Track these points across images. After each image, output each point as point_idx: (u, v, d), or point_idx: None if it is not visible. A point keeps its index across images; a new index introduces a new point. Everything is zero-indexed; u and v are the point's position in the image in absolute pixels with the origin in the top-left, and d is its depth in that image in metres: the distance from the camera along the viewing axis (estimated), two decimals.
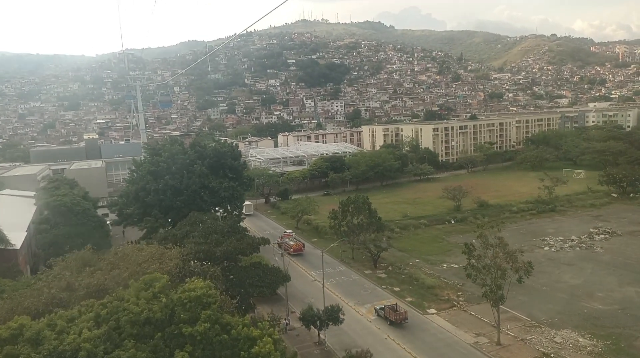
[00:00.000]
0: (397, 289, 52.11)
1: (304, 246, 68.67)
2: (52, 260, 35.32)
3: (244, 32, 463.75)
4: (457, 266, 59.13)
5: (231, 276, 35.74)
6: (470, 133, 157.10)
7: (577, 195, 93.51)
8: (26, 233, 52.01)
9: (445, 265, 59.71)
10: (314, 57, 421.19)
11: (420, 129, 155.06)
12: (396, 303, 45.61)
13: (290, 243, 68.61)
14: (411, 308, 46.79)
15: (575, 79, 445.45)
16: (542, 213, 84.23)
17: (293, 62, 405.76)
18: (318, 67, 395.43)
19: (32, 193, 75.08)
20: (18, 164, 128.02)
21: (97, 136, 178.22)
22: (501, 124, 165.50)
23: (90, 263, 29.61)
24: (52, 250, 52.67)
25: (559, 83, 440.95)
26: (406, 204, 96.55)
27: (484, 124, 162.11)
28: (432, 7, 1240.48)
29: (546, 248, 64.31)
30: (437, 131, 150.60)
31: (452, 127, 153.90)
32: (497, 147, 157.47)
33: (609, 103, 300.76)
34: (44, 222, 58.74)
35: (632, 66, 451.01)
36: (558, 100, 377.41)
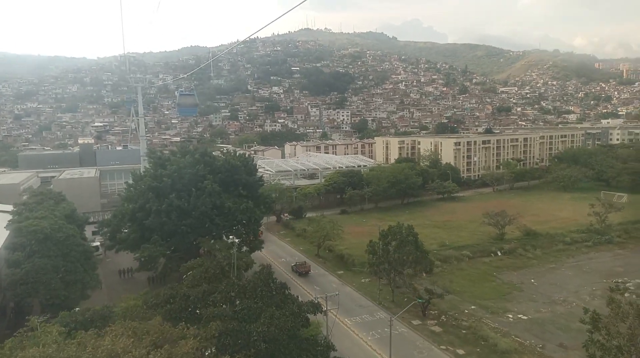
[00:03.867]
0: (461, 352, 40.95)
1: (261, 233, 73.57)
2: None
3: (248, 39, 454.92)
4: (525, 318, 48.09)
5: None
6: (493, 148, 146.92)
7: (633, 224, 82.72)
8: None
9: (510, 316, 48.54)
10: (318, 65, 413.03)
11: (441, 142, 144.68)
12: (305, 261, 66.07)
13: None
14: None
15: (580, 95, 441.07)
16: (599, 246, 73.43)
17: (297, 69, 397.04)
18: (322, 75, 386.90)
19: (11, 208, 64.09)
20: (3, 170, 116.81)
21: (92, 141, 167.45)
22: (525, 139, 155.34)
23: None
24: (23, 289, 41.64)
25: (565, 98, 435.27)
26: (436, 228, 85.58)
27: (507, 139, 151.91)
28: (433, 20, 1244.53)
29: (627, 295, 53.34)
30: (459, 145, 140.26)
31: (475, 142, 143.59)
32: (521, 164, 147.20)
33: (622, 120, 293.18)
34: (18, 249, 47.50)
35: (637, 83, 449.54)
36: (566, 115, 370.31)
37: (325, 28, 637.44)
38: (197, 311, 26.17)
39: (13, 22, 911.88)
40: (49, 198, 65.28)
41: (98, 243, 70.23)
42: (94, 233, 75.79)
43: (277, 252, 73.95)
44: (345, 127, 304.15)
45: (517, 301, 52.34)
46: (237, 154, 69.48)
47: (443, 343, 42.66)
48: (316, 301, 28.99)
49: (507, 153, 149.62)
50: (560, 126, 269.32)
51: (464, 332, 44.58)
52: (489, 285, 57.73)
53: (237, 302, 26.11)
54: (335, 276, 61.80)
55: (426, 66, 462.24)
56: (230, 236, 56.83)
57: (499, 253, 69.41)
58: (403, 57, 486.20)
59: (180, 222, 54.95)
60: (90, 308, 29.26)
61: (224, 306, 25.71)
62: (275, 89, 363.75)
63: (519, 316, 48.47)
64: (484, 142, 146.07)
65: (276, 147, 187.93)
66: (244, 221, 59.99)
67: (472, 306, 50.85)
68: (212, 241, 55.56)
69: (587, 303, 52.08)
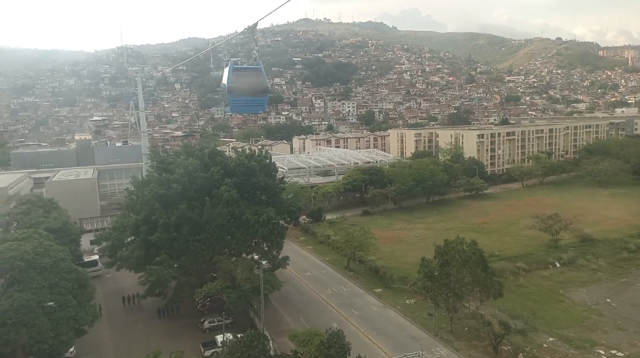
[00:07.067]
0: None
1: None
2: None
3: (246, 29, 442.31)
4: (621, 355, 39.26)
5: None
6: (518, 140, 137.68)
7: None
8: None
9: (602, 352, 39.71)
10: (319, 55, 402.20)
11: (462, 135, 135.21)
12: None
13: None
14: None
15: (586, 84, 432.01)
16: None
17: (298, 60, 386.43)
18: (324, 66, 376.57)
19: None
20: None
21: (90, 137, 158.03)
22: (550, 130, 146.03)
23: None
24: (0, 333, 32.79)
25: (572, 87, 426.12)
26: (474, 232, 75.78)
27: (532, 131, 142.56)
28: (432, 9, 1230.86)
29: None
30: (482, 137, 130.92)
31: (499, 134, 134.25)
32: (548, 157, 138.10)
33: (636, 109, 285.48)
34: None
35: None
36: (576, 105, 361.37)
37: (325, 18, 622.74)
38: None
39: (8, 15, 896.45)
40: (37, 207, 56.37)
41: (97, 257, 61.47)
42: (92, 242, 66.93)
43: (300, 264, 64.86)
44: (352, 119, 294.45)
45: (601, 331, 43.51)
46: (252, 151, 59.75)
47: None
48: None
49: (532, 145, 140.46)
50: (575, 115, 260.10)
51: None
52: (560, 307, 48.83)
53: None
54: (373, 296, 52.87)
55: (429, 55, 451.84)
56: (256, 256, 47.78)
57: (557, 265, 60.53)
58: (405, 46, 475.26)
59: (193, 238, 45.96)
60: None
61: None
62: (277, 80, 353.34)
63: (613, 352, 39.64)
64: (508, 134, 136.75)
65: (284, 141, 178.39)
66: (266, 235, 50.81)
67: (550, 338, 42.01)
68: (233, 259, 46.67)
69: None
